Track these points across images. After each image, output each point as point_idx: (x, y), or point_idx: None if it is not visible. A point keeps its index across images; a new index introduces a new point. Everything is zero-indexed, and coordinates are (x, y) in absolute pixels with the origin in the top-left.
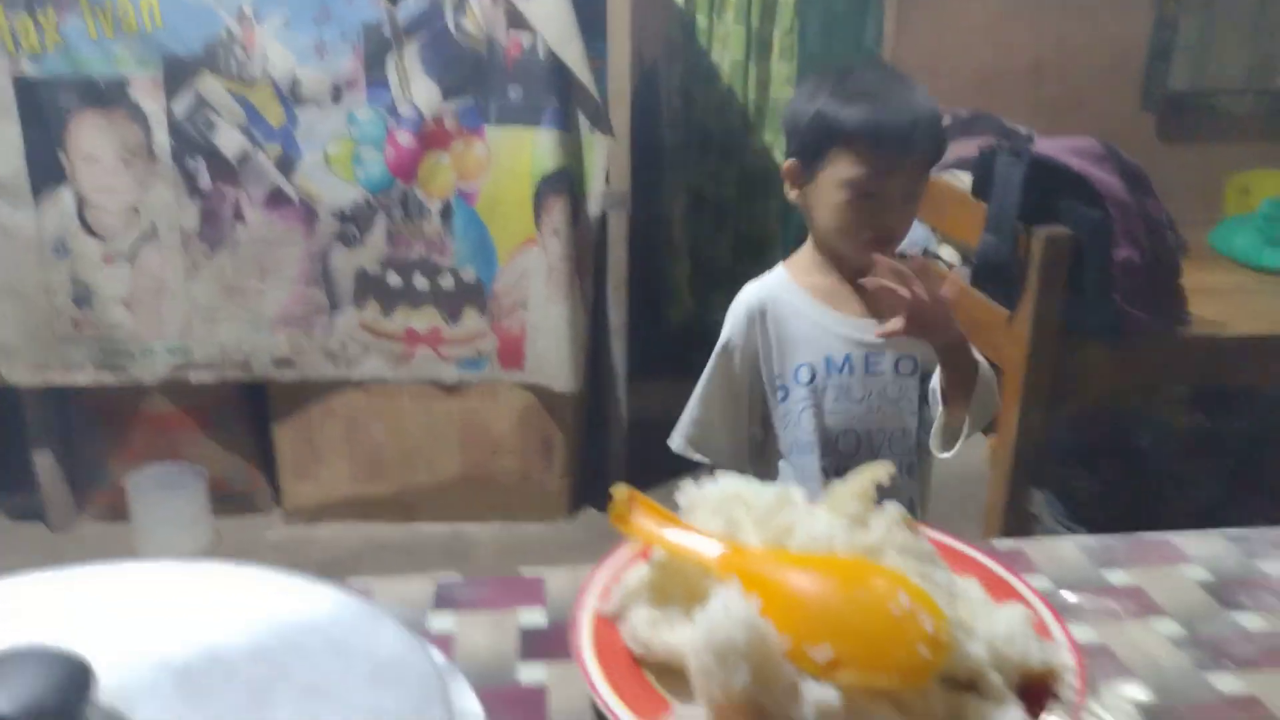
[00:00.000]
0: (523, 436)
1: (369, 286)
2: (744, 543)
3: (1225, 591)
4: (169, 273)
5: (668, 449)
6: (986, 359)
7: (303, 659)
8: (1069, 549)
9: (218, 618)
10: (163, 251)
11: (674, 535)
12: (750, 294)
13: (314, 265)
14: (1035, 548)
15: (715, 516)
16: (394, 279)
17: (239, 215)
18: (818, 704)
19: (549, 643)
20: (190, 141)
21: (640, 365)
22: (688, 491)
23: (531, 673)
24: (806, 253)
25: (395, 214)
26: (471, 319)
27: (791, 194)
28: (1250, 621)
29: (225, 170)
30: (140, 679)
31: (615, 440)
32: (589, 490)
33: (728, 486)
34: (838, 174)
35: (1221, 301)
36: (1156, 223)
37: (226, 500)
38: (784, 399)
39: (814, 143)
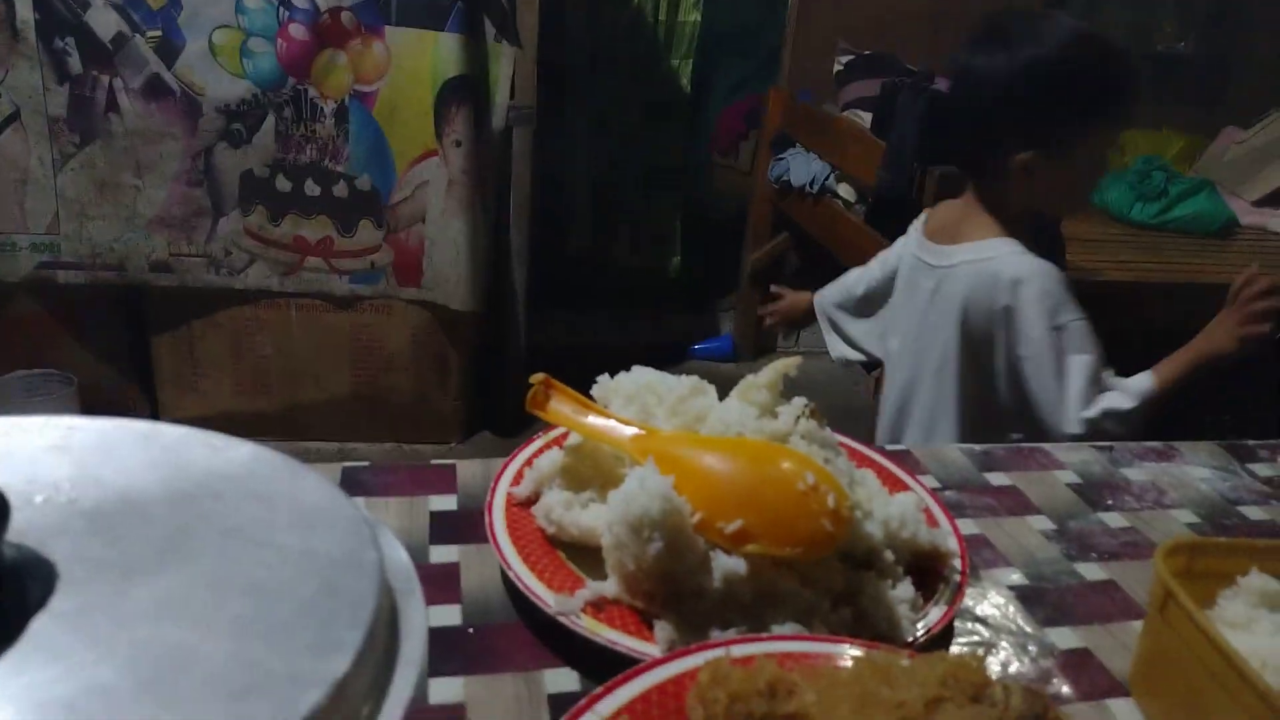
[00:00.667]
0: (416, 356)
1: (256, 190)
2: (657, 428)
3: (1092, 493)
4: (34, 162)
5: (565, 375)
6: None
7: (222, 505)
8: (954, 454)
9: (129, 467)
10: (27, 138)
11: (590, 420)
12: (1057, 273)
13: (196, 164)
14: (923, 452)
15: (629, 405)
16: (283, 183)
17: (113, 104)
18: (726, 574)
19: (460, 527)
20: (59, 19)
21: (537, 290)
22: (602, 383)
23: (443, 553)
24: (1014, 223)
25: (286, 113)
26: (366, 230)
27: (1020, 189)
28: (1112, 519)
29: (98, 53)
30: (49, 519)
31: (512, 365)
32: (483, 415)
33: (640, 377)
34: (1099, 142)
35: (1095, 250)
36: None
37: (99, 410)
38: None
39: (1080, 116)
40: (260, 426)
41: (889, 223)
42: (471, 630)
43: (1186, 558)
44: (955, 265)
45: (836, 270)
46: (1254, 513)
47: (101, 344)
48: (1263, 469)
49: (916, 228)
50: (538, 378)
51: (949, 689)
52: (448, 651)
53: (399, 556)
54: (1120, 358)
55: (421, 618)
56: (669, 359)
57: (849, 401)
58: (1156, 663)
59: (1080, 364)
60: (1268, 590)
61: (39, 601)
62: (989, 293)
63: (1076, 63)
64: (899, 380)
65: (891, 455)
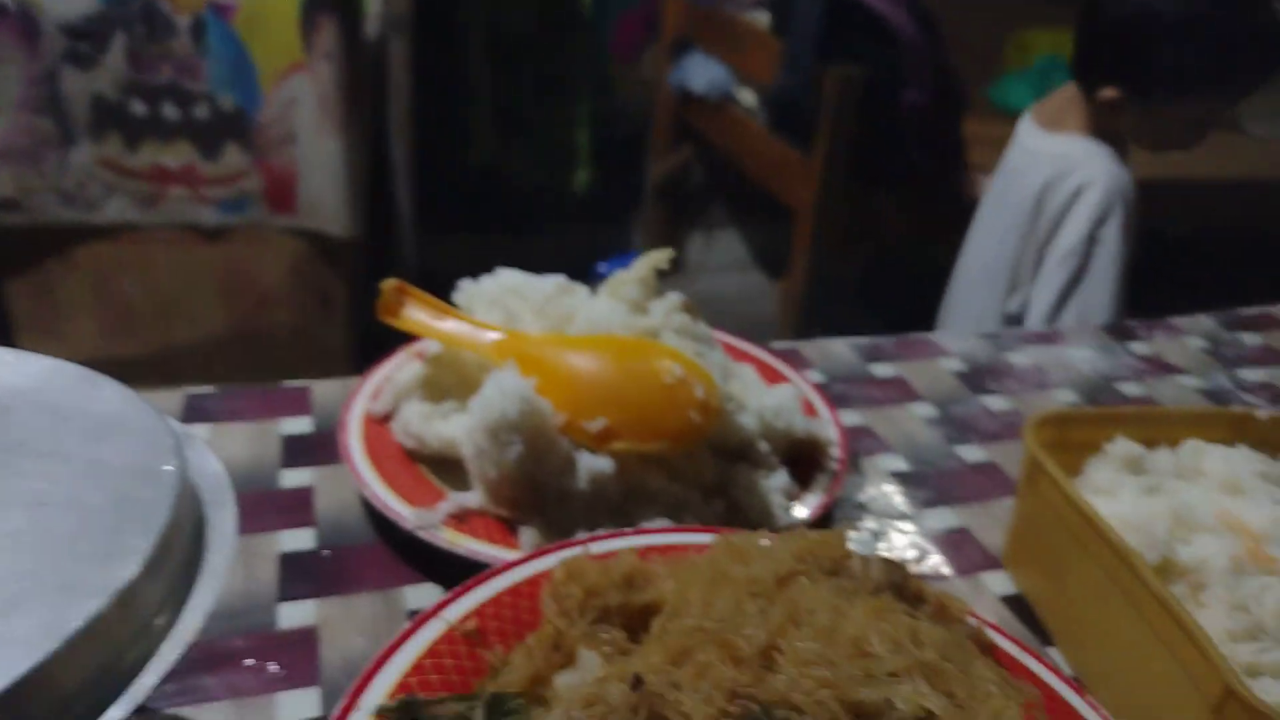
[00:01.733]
0: (296, 288)
1: (108, 116)
2: (523, 331)
3: (976, 379)
4: None
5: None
6: (782, 203)
7: (9, 419)
8: (840, 348)
9: None
10: None
11: (448, 325)
12: (1127, 187)
13: (40, 90)
14: (809, 347)
15: (493, 309)
16: (138, 107)
17: None
18: (592, 474)
19: (315, 450)
20: None
21: (433, 212)
22: (464, 288)
23: (296, 478)
24: (1108, 126)
25: (137, 30)
26: (233, 155)
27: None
28: (995, 403)
29: None
30: None
31: None
32: (375, 348)
33: (505, 280)
34: (1199, 109)
35: (997, 152)
36: (943, 68)
37: None
38: None
39: (1176, 84)
40: (132, 372)
41: (792, 129)
42: (326, 553)
43: (1056, 429)
44: (1041, 153)
45: (743, 183)
46: (1131, 389)
47: None
48: (1141, 347)
49: (1031, 108)
50: (389, 283)
51: (805, 564)
52: (300, 575)
53: (210, 468)
54: None
55: (232, 529)
56: (575, 280)
57: (757, 314)
58: (1027, 534)
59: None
60: (1132, 456)
61: None
62: (1057, 189)
63: (1193, 30)
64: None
65: (775, 352)
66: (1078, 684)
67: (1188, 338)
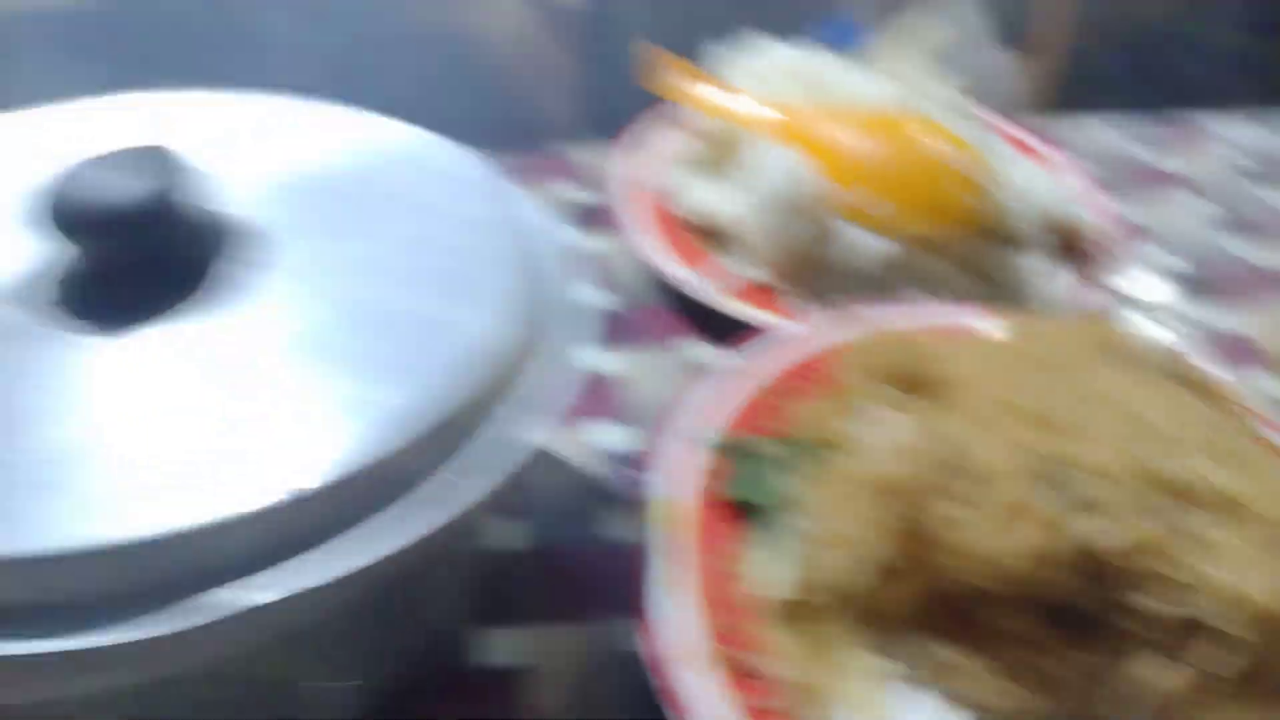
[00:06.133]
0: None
1: None
2: (793, 105)
3: (1269, 171)
4: None
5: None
6: None
7: (393, 179)
8: (1098, 128)
9: (301, 144)
10: None
11: (727, 101)
12: None
13: None
14: (1062, 126)
15: (751, 80)
16: None
17: None
18: (855, 246)
19: (584, 216)
20: None
21: None
22: (724, 57)
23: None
24: None
25: None
26: None
27: None
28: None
29: None
30: (244, 192)
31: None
32: (601, 121)
33: (770, 53)
34: None
35: None
36: None
37: None
38: None
39: None
40: None
41: None
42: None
43: None
44: None
45: None
46: None
47: None
48: None
49: None
50: (654, 52)
51: (1088, 346)
52: None
53: (566, 236)
54: None
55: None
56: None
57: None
58: None
59: None
60: None
61: (243, 258)
62: None
63: None
64: None
65: (1028, 129)
66: None
67: None
